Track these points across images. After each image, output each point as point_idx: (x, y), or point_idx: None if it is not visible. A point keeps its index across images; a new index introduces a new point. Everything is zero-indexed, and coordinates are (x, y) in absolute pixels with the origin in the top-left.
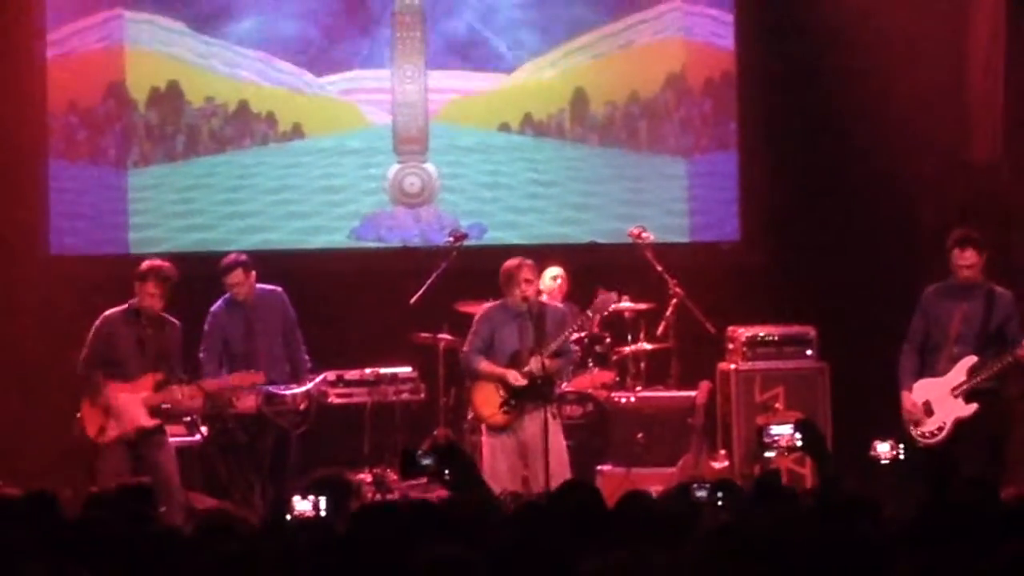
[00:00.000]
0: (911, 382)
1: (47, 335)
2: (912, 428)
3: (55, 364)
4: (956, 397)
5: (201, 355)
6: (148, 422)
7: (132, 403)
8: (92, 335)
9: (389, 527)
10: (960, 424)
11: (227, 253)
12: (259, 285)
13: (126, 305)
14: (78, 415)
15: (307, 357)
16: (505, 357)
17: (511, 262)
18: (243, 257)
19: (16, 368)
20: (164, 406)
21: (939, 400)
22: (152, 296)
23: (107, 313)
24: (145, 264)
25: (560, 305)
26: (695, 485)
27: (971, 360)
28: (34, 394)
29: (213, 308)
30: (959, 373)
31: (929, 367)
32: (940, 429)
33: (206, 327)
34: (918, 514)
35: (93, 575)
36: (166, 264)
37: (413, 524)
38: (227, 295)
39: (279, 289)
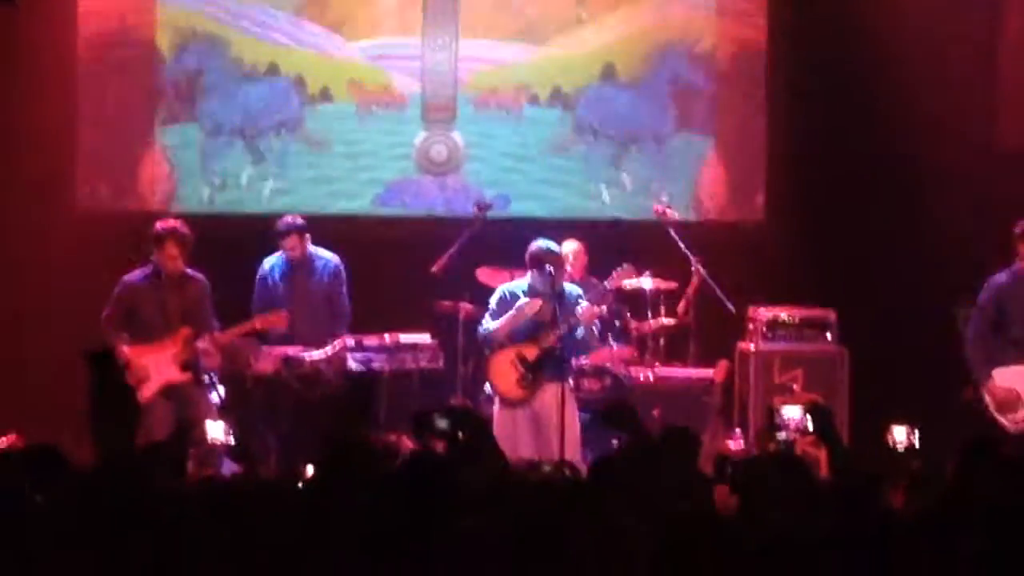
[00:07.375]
0: (989, 370)
1: (75, 290)
2: (1004, 415)
3: (83, 318)
4: None
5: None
6: (178, 377)
7: (161, 361)
8: (114, 298)
9: (407, 495)
10: None
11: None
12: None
13: (146, 268)
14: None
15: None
16: (527, 332)
17: (539, 249)
18: (299, 221)
19: (44, 321)
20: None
21: None
22: (173, 259)
23: (127, 278)
24: (160, 226)
25: (574, 287)
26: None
27: None
28: (63, 348)
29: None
30: None
31: (1013, 356)
32: None
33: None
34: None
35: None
36: (180, 223)
37: (432, 493)
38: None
39: (335, 258)
